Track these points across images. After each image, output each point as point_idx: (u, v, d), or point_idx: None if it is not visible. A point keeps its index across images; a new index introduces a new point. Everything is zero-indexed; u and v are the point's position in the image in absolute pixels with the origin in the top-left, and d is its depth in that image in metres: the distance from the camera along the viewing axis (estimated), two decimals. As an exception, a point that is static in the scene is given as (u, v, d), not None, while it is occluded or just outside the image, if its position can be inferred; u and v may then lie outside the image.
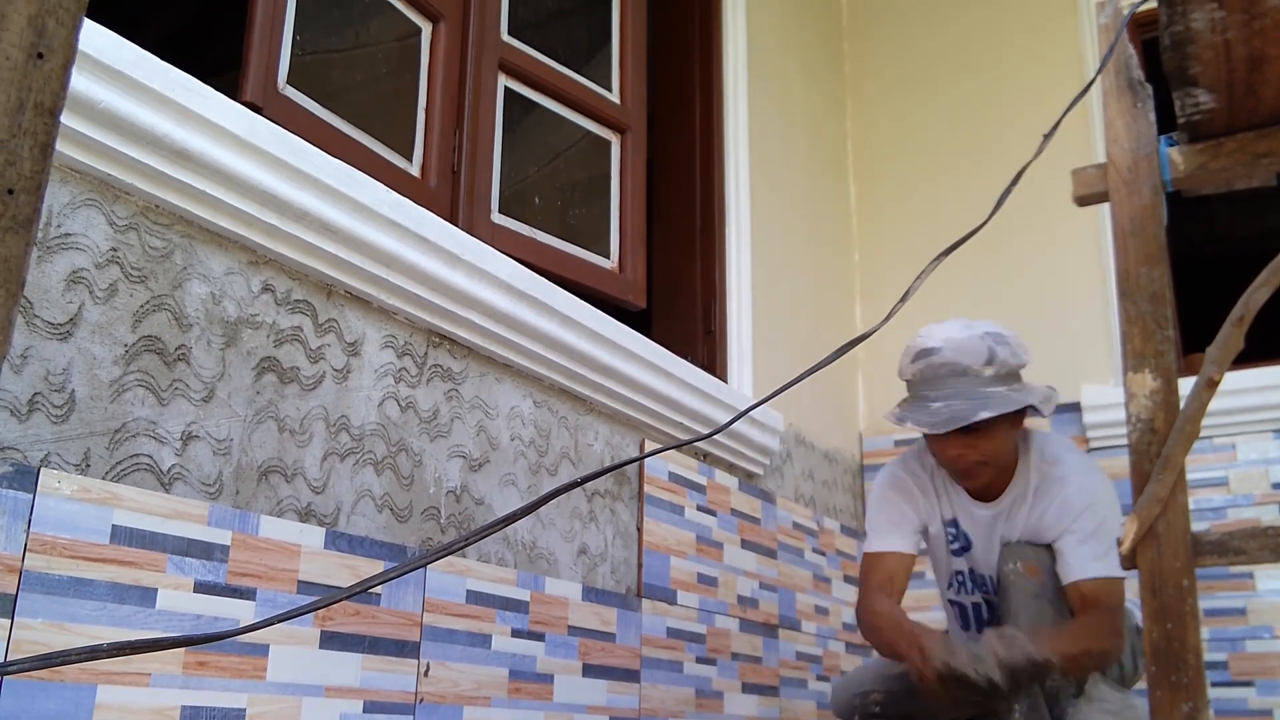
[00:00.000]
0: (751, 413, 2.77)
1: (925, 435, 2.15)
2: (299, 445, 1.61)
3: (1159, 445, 1.35)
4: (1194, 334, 3.30)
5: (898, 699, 2.23)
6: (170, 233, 1.47)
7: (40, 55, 0.62)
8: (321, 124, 1.82)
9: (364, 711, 1.63)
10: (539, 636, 2.01)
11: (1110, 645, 2.00)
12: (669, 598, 2.41)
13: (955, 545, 2.29)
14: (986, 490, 2.20)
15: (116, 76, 1.36)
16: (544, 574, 2.06)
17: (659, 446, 1.76)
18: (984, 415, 2.01)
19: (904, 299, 1.40)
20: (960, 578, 2.31)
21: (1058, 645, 1.92)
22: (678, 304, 3.00)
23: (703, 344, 2.93)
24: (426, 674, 1.75)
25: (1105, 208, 2.75)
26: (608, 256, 2.52)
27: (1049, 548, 2.13)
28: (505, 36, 2.32)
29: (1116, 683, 2.21)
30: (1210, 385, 1.33)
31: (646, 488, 2.40)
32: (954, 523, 2.27)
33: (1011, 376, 2.09)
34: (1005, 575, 2.11)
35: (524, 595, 1.99)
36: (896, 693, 2.22)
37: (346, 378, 1.71)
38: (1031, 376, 3.36)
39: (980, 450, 2.10)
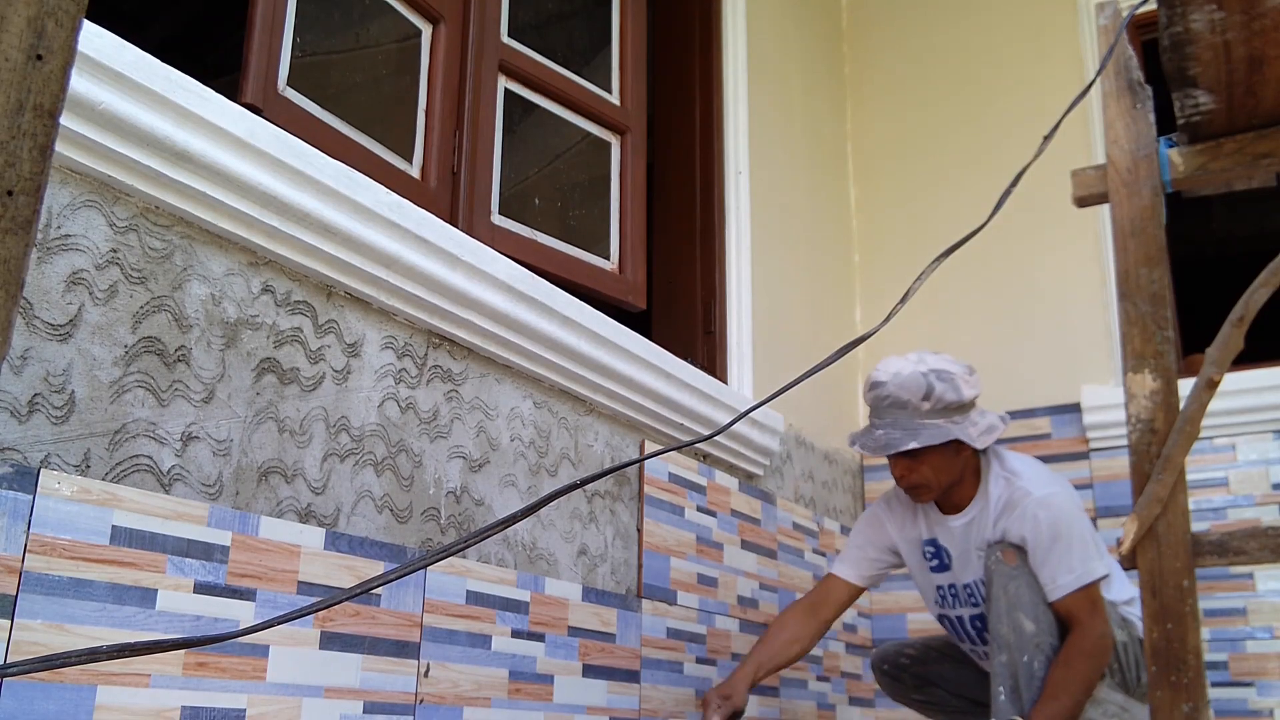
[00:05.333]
0: (752, 414, 2.77)
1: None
2: (299, 446, 1.61)
3: (1159, 446, 1.35)
4: (1194, 335, 3.31)
5: (927, 660, 2.48)
6: (170, 234, 1.47)
7: (40, 57, 0.62)
8: (321, 125, 1.82)
9: (364, 712, 1.63)
10: (539, 637, 2.01)
11: (1098, 659, 2.13)
12: (669, 598, 2.41)
13: (934, 563, 2.42)
14: (952, 504, 2.36)
15: (116, 78, 1.36)
16: (544, 575, 2.06)
17: (659, 448, 1.76)
18: (910, 445, 2.22)
19: (904, 300, 1.40)
20: (942, 593, 2.43)
21: (1056, 708, 2.07)
22: (678, 305, 3.00)
23: (703, 345, 2.93)
24: (426, 675, 1.75)
25: (1105, 209, 2.75)
26: (608, 258, 2.52)
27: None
28: (505, 38, 2.32)
29: (1119, 687, 2.23)
30: (1210, 386, 1.33)
31: (646, 488, 2.40)
32: (933, 541, 2.41)
33: (952, 410, 2.26)
34: (989, 569, 2.24)
35: (524, 596, 1.99)
36: (929, 655, 2.49)
37: (346, 379, 1.71)
38: (1031, 376, 3.38)
39: (919, 473, 2.29)
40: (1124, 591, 2.33)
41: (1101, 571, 2.17)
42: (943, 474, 2.30)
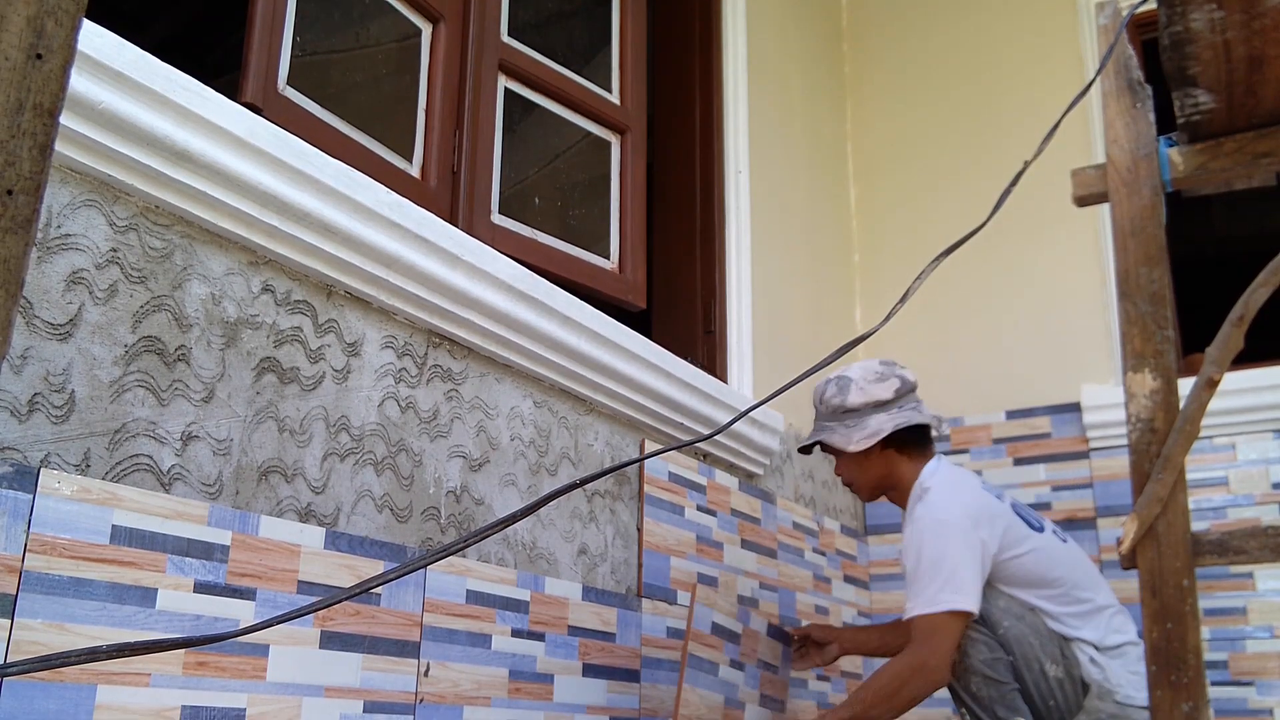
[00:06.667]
0: (752, 413, 2.77)
1: None
2: (299, 445, 1.61)
3: (1159, 445, 1.35)
4: (1194, 334, 3.31)
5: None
6: (170, 233, 1.47)
7: (39, 56, 0.62)
8: (321, 125, 1.82)
9: (364, 712, 1.63)
10: (539, 637, 2.01)
11: (906, 681, 2.12)
12: (669, 598, 2.41)
13: None
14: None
15: (116, 77, 1.36)
16: (544, 574, 2.06)
17: (659, 447, 1.76)
18: (800, 445, 2.47)
19: (903, 299, 1.40)
20: None
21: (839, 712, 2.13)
22: (678, 304, 3.00)
23: (703, 344, 2.92)
24: (426, 674, 1.75)
25: (1105, 208, 2.75)
26: (608, 257, 2.52)
27: None
28: (505, 37, 2.32)
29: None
30: (1210, 385, 1.33)
31: (646, 488, 2.39)
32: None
33: (838, 413, 2.39)
34: None
35: (524, 595, 1.99)
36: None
37: (346, 378, 1.71)
38: (1031, 376, 3.37)
39: (843, 472, 2.45)
40: (1094, 633, 2.25)
41: (947, 605, 2.13)
42: (856, 475, 2.41)
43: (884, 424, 2.33)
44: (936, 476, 2.32)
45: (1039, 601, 2.23)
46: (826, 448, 2.45)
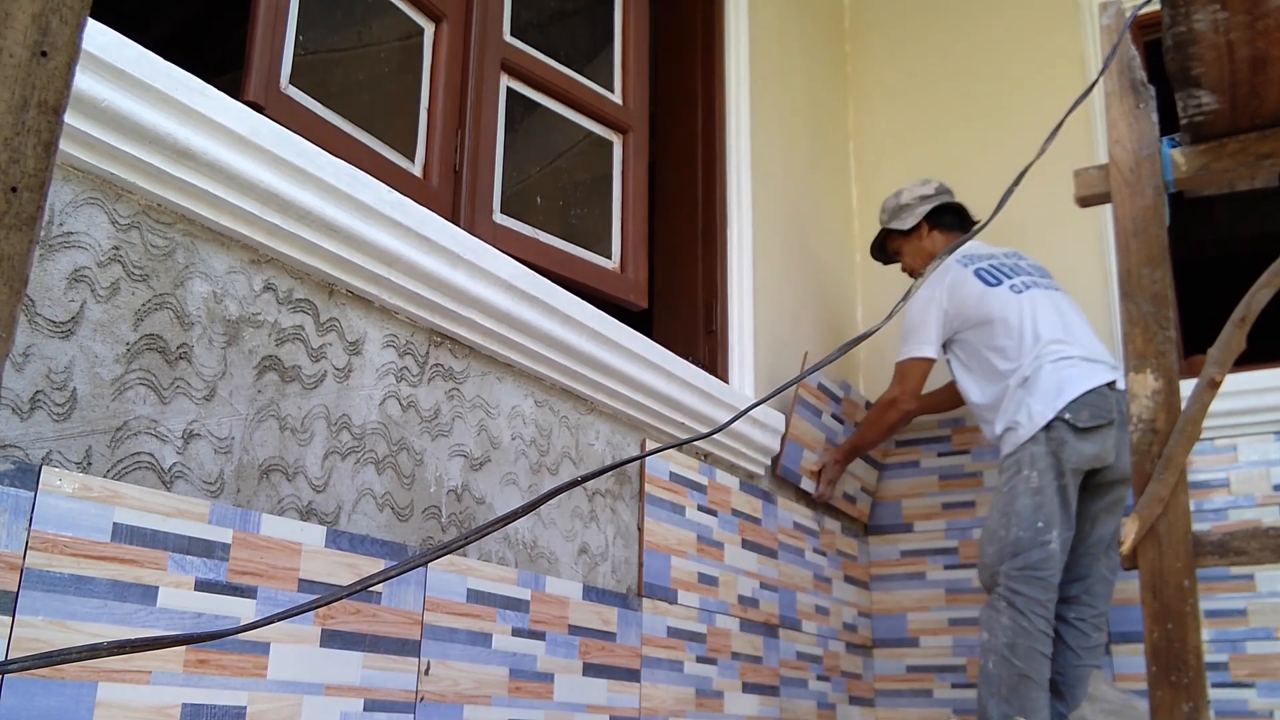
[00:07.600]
0: (752, 412, 2.77)
1: None
2: (300, 444, 1.61)
3: (1160, 446, 1.35)
4: (1195, 335, 3.30)
5: None
6: (172, 231, 1.47)
7: (44, 53, 0.62)
8: (323, 123, 1.83)
9: (364, 710, 1.63)
10: (539, 636, 2.01)
11: (878, 412, 3.03)
12: (669, 597, 2.41)
13: None
14: None
15: (119, 75, 1.36)
16: (545, 573, 2.06)
17: (660, 445, 1.76)
18: (871, 245, 3.29)
19: (905, 299, 1.40)
20: None
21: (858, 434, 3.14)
22: (679, 304, 3.00)
23: (704, 344, 2.92)
24: (427, 673, 1.75)
25: (1107, 208, 2.75)
26: (609, 257, 2.52)
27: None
28: (507, 37, 2.32)
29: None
30: (1212, 386, 1.33)
31: (647, 487, 2.40)
32: None
33: (901, 209, 3.11)
34: None
35: (524, 594, 1.99)
36: None
37: (348, 377, 1.71)
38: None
39: (905, 260, 3.19)
40: (1025, 364, 2.78)
41: (909, 354, 2.90)
42: (915, 256, 3.13)
43: (926, 205, 3.06)
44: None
45: (990, 339, 2.80)
46: (890, 242, 3.16)
